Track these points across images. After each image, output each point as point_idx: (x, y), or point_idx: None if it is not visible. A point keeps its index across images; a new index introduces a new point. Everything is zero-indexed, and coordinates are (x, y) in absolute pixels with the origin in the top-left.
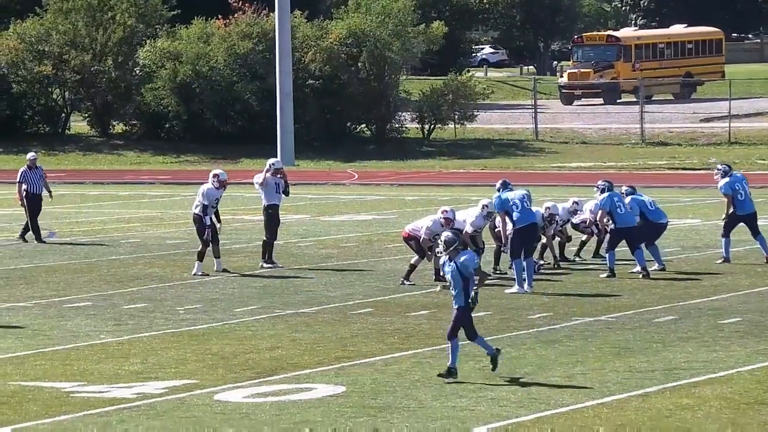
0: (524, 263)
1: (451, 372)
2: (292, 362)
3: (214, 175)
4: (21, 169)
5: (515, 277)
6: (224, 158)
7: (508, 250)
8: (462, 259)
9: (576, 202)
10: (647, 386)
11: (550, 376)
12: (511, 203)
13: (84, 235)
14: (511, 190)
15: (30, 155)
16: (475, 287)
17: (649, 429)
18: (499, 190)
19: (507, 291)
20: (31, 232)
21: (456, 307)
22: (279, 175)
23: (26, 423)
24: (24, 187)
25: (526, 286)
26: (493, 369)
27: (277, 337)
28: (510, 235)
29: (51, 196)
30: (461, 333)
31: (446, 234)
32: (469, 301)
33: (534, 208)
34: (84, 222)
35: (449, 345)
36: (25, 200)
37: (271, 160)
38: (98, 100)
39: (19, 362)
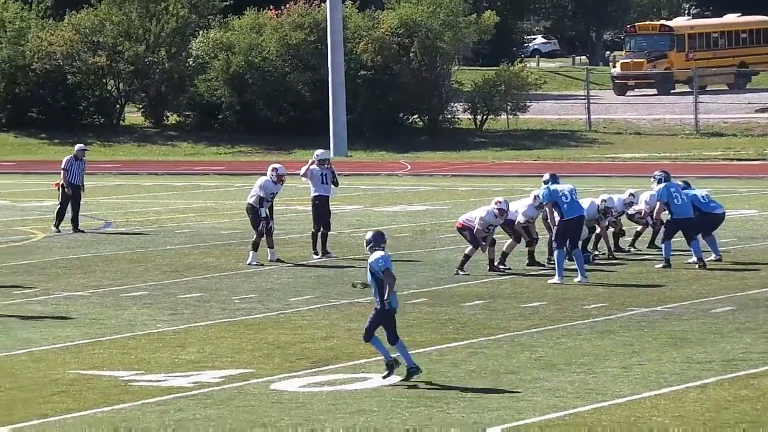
0: (574, 255)
1: (411, 372)
2: (348, 351)
3: (273, 169)
4: (67, 158)
5: (556, 267)
6: (277, 149)
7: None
8: (372, 258)
9: (632, 194)
10: (705, 377)
11: (606, 366)
12: (560, 194)
13: (139, 226)
14: (559, 183)
15: (78, 146)
16: (390, 290)
17: (707, 420)
18: (546, 183)
19: (549, 281)
20: (67, 221)
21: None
22: (325, 166)
23: (85, 411)
24: (66, 175)
25: (580, 277)
26: (405, 379)
27: (332, 326)
28: (556, 226)
29: (83, 188)
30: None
31: (368, 233)
32: (384, 302)
33: (589, 199)
34: (139, 212)
35: (395, 347)
36: (62, 188)
37: (317, 152)
38: (152, 91)
39: (77, 351)
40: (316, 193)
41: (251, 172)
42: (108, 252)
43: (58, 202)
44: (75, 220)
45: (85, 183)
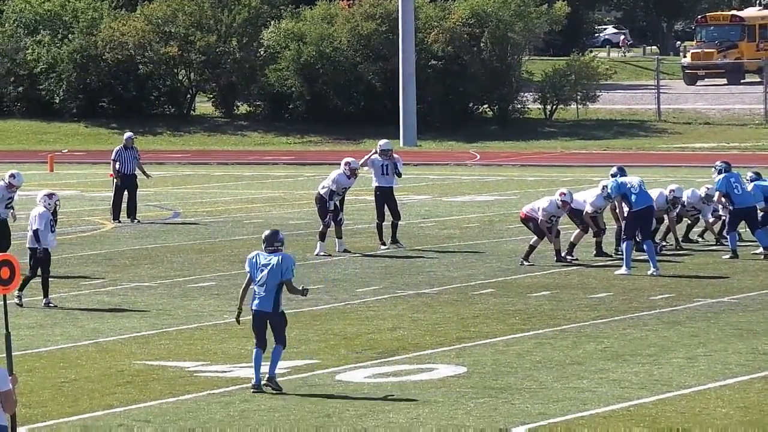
0: (645, 246)
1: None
2: (414, 342)
3: (346, 163)
4: (116, 148)
5: (624, 257)
6: (347, 139)
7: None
8: (280, 260)
9: (708, 188)
10: None
11: (672, 357)
12: (628, 186)
13: (208, 216)
14: (626, 176)
15: (127, 135)
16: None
17: None
18: (614, 176)
19: (616, 272)
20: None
21: (261, 311)
22: (388, 157)
23: (151, 402)
24: (117, 166)
25: (652, 269)
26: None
27: (399, 317)
28: (626, 217)
29: (147, 176)
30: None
31: (266, 232)
32: (278, 308)
33: (658, 190)
34: (208, 202)
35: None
36: (117, 179)
37: (381, 142)
38: (223, 81)
39: (144, 341)
40: (377, 184)
41: (321, 162)
42: (176, 242)
43: (112, 195)
44: (132, 210)
45: (147, 172)
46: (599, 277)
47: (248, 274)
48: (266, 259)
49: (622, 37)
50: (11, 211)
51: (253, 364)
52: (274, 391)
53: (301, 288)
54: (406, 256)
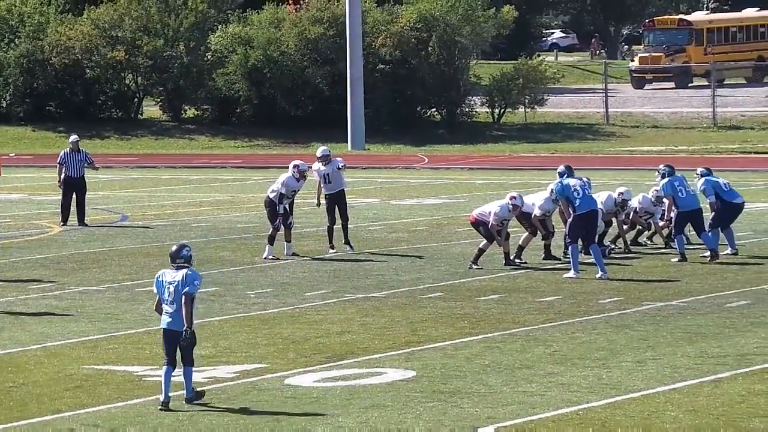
0: (591, 250)
1: (199, 394)
2: (363, 346)
3: (294, 166)
4: (62, 151)
5: (571, 261)
6: (295, 142)
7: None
8: (185, 275)
9: (656, 190)
10: (720, 372)
11: (621, 360)
12: (572, 189)
13: (156, 219)
14: (573, 175)
15: (72, 138)
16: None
17: (721, 415)
18: (561, 175)
19: (564, 276)
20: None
21: (172, 329)
22: (326, 163)
23: (99, 406)
24: (63, 169)
25: (600, 273)
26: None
27: (348, 321)
28: (569, 221)
29: (97, 168)
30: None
31: (171, 248)
32: (184, 330)
33: (607, 192)
34: (156, 206)
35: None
36: (63, 183)
37: (318, 150)
38: (170, 85)
39: (92, 346)
40: (325, 192)
41: (269, 165)
42: (123, 246)
43: (61, 197)
44: (81, 214)
45: (100, 170)
46: (548, 280)
47: (156, 295)
48: (171, 277)
49: (593, 39)
50: None
51: (162, 382)
52: (202, 404)
53: (185, 329)
54: (355, 259)
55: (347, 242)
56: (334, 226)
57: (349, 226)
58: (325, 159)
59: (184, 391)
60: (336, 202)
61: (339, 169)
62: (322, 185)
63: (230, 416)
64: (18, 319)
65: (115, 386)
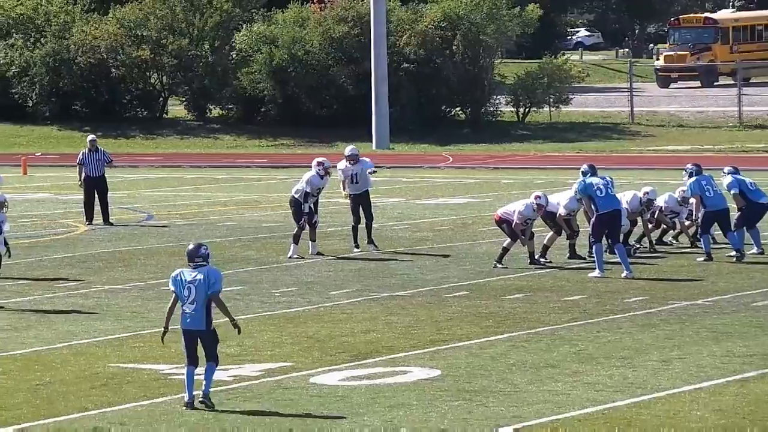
0: (615, 249)
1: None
2: (387, 345)
3: (318, 163)
4: (81, 152)
5: (596, 260)
6: (319, 141)
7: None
8: (206, 274)
9: (683, 190)
10: (746, 371)
11: (646, 360)
12: (595, 188)
13: (181, 218)
14: (597, 174)
15: (90, 138)
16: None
17: (747, 414)
18: (584, 174)
19: (590, 275)
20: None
21: (192, 329)
22: (353, 162)
23: (125, 405)
24: (84, 169)
25: (625, 272)
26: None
27: (372, 320)
28: (592, 220)
29: (110, 161)
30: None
31: (188, 246)
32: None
33: (632, 192)
34: (181, 205)
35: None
36: (83, 183)
37: (346, 150)
38: (195, 85)
39: (118, 344)
40: (350, 192)
41: (293, 164)
42: (149, 245)
43: (83, 197)
44: (105, 213)
45: (116, 168)
46: (573, 279)
47: (174, 294)
48: (191, 276)
49: (626, 39)
50: None
51: (185, 382)
52: (207, 408)
53: (233, 321)
54: (380, 258)
55: (371, 242)
56: (359, 225)
57: (373, 225)
58: (354, 158)
59: (203, 387)
60: (360, 201)
61: (370, 172)
62: (347, 185)
63: (255, 414)
64: (45, 317)
65: (140, 384)
